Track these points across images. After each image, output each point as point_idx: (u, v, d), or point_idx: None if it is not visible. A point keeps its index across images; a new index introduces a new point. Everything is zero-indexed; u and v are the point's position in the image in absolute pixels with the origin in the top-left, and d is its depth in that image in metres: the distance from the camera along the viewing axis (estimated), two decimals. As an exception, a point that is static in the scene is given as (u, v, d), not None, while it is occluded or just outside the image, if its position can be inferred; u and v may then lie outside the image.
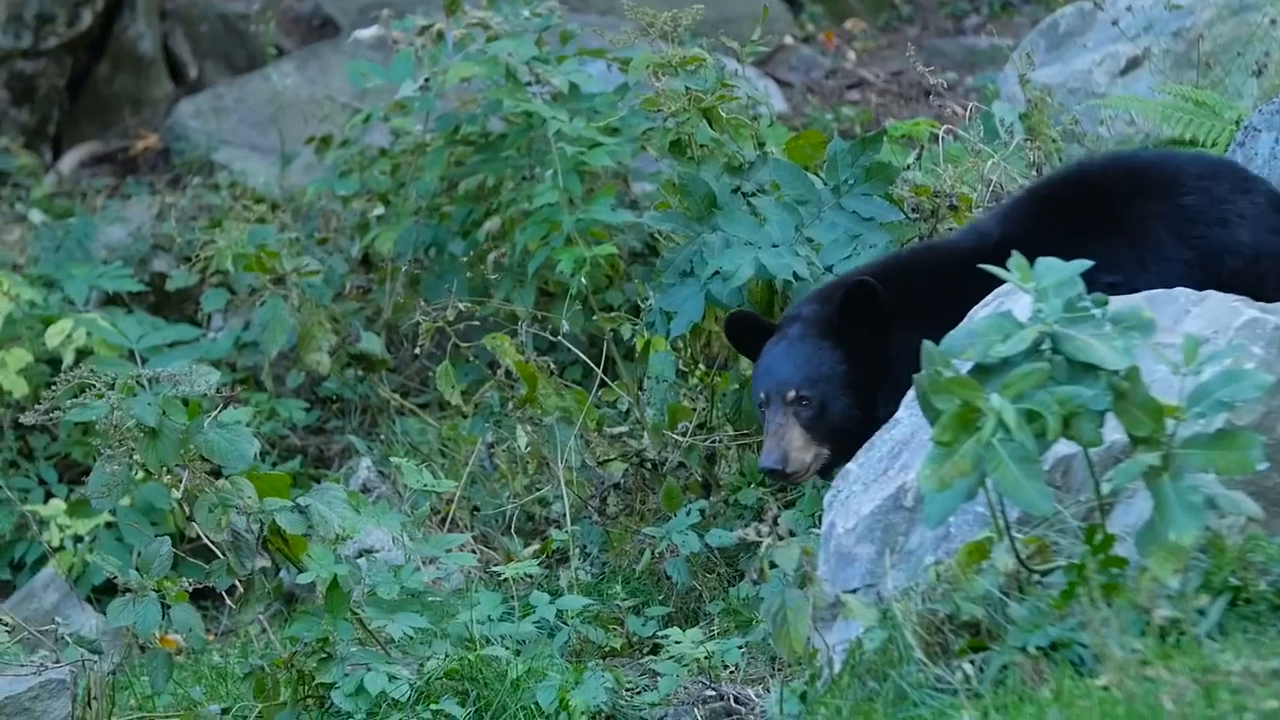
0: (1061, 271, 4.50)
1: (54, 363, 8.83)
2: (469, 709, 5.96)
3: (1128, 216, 5.85)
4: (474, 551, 7.30)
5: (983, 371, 4.44)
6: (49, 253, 9.95)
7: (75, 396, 6.78)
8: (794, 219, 6.91)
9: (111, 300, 9.63)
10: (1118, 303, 4.59)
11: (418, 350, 7.91)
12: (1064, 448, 4.74)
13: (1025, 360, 4.40)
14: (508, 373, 7.53)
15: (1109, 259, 5.67)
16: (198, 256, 8.60)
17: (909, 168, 7.36)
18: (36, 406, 6.77)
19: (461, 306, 7.68)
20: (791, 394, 5.86)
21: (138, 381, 6.86)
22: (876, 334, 5.83)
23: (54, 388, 6.84)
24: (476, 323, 7.87)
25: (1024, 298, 4.58)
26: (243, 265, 8.45)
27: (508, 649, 6.36)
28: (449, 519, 7.40)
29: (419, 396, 9.00)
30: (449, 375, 7.67)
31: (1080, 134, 7.90)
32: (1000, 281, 5.12)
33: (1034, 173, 7.23)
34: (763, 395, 5.94)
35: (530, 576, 7.00)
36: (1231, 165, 6.23)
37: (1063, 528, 4.68)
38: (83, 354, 8.70)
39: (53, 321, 8.92)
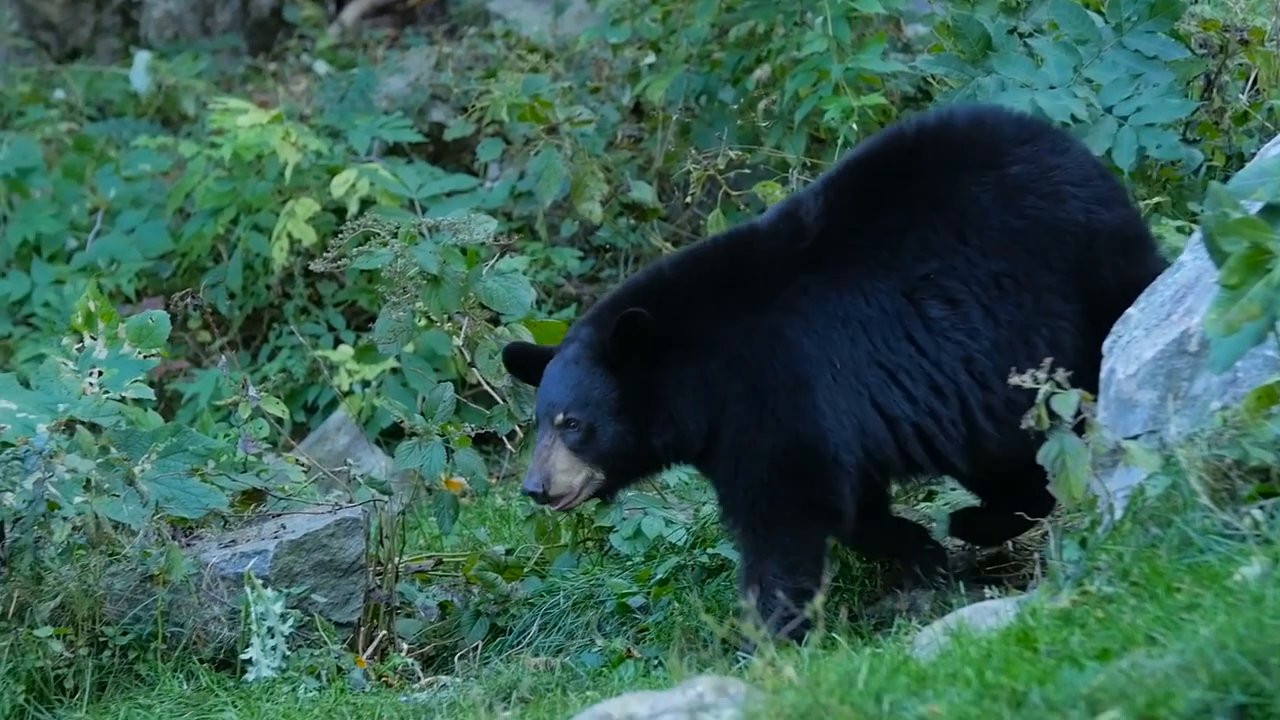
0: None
1: (339, 211, 9.07)
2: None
3: (946, 190, 5.60)
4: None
5: (1273, 212, 4.31)
6: (333, 103, 10.19)
7: (360, 245, 6.99)
8: (1073, 59, 6.75)
9: (392, 150, 9.84)
10: None
11: (689, 198, 7.95)
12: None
13: (1320, 200, 4.26)
14: (779, 220, 7.50)
15: (927, 244, 5.55)
16: (473, 106, 8.72)
17: (1196, 1, 7.12)
18: (324, 254, 7.00)
19: (732, 154, 7.69)
20: (560, 417, 5.58)
21: (419, 230, 7.03)
22: (647, 366, 5.58)
23: (340, 236, 7.06)
24: (747, 170, 7.87)
25: (1319, 136, 4.42)
26: (517, 115, 8.54)
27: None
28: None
29: (690, 244, 9.05)
30: (720, 223, 7.70)
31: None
32: (798, 292, 5.34)
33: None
34: (534, 418, 5.76)
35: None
36: (1043, 123, 5.99)
37: (1357, 371, 4.55)
38: (366, 203, 8.92)
39: (337, 171, 9.15)
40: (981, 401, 5.57)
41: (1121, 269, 5.63)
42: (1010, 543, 6.12)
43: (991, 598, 5.14)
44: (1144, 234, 5.81)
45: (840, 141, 7.88)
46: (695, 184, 7.69)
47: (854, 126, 7.84)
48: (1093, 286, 5.60)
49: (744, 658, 5.16)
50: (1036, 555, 5.84)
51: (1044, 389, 4.90)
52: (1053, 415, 4.87)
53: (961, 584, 5.68)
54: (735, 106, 8.73)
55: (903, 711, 4.05)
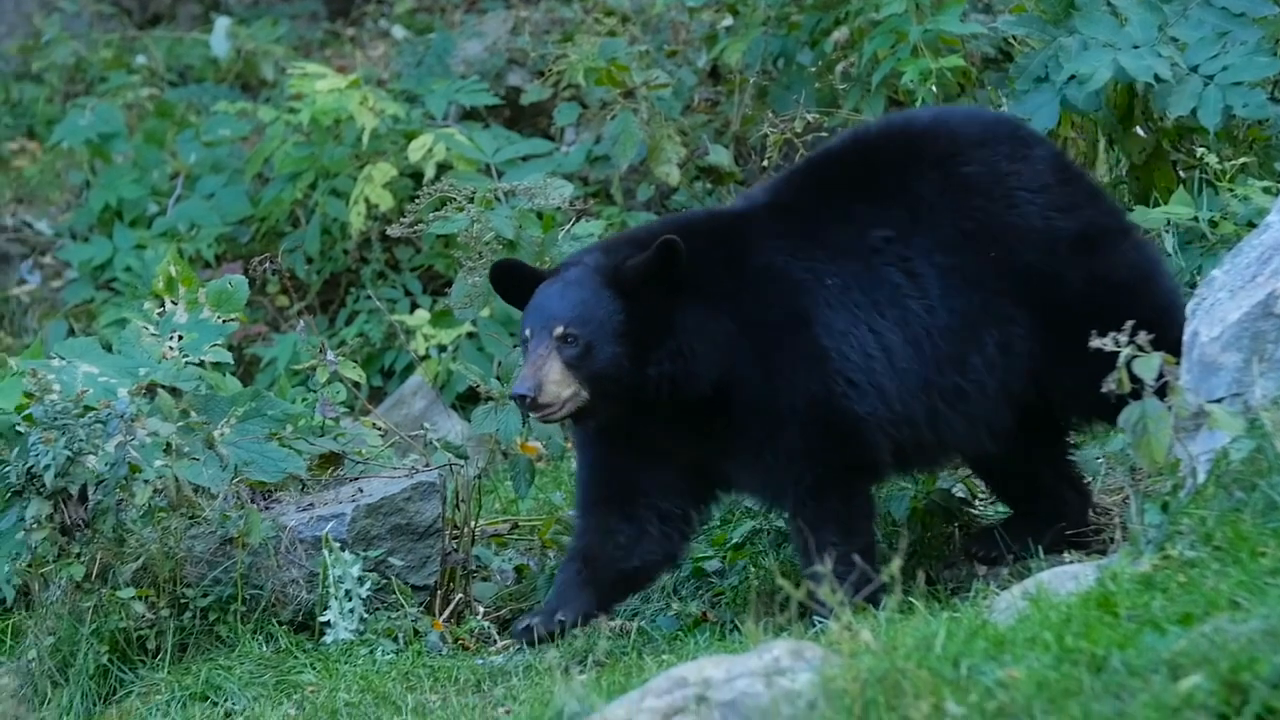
0: None
1: (416, 176, 9.08)
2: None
3: (897, 182, 5.70)
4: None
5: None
6: (410, 68, 10.20)
7: (437, 210, 7.00)
8: (1157, 17, 6.66)
9: (469, 114, 9.84)
10: None
11: (765, 162, 7.91)
12: None
13: None
14: (858, 183, 7.45)
15: (880, 216, 5.63)
16: (550, 70, 8.71)
17: (1285, -45, 6.99)
18: (401, 219, 7.02)
19: (809, 117, 7.65)
20: (560, 329, 5.59)
21: (495, 195, 7.03)
22: (667, 295, 5.61)
23: (417, 201, 7.07)
24: (824, 133, 7.82)
25: None
26: (594, 79, 8.53)
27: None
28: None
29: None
30: (798, 187, 7.63)
31: None
32: (774, 232, 5.42)
33: None
34: (528, 331, 5.68)
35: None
36: (1009, 124, 5.96)
37: None
38: (442, 168, 8.93)
39: (414, 136, 9.16)
40: (935, 382, 5.61)
41: (1090, 270, 5.66)
42: (1091, 506, 6.07)
43: (1071, 562, 5.10)
44: (1113, 228, 5.78)
45: (918, 103, 7.81)
46: (772, 147, 7.65)
47: (932, 89, 7.77)
48: (1054, 296, 5.64)
49: (820, 622, 5.15)
50: (1117, 519, 5.79)
51: (1125, 352, 4.85)
52: (1134, 379, 4.82)
53: (1040, 549, 5.64)
54: (813, 69, 8.67)
55: (980, 676, 4.02)
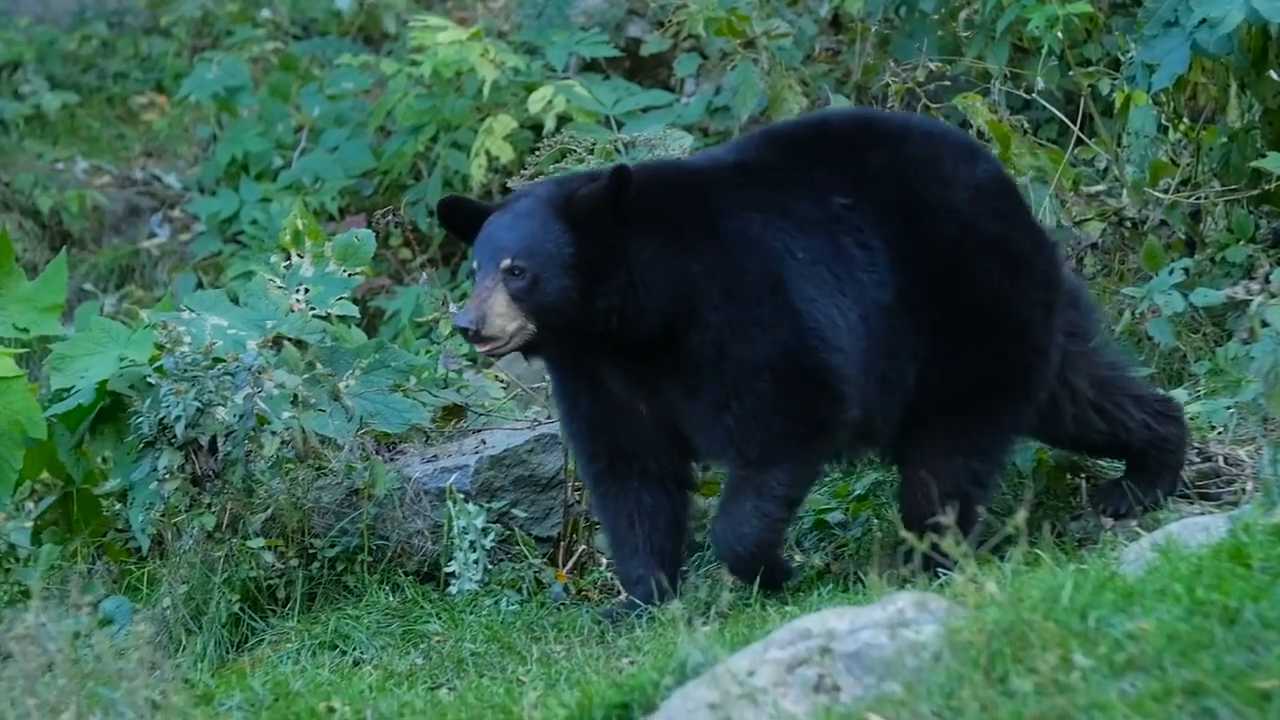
0: None
1: (536, 128, 9.10)
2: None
3: (848, 153, 5.65)
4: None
5: None
6: (531, 19, 10.21)
7: (557, 162, 7.00)
8: (1291, -42, 6.51)
9: (589, 66, 9.84)
10: None
11: (887, 111, 7.82)
12: None
13: None
14: (980, 132, 7.39)
15: (835, 183, 5.58)
16: (670, 21, 8.67)
17: None
18: (522, 171, 7.03)
19: (932, 65, 7.56)
20: (507, 261, 5.47)
21: (615, 146, 7.02)
22: (620, 226, 5.50)
23: (537, 153, 7.08)
24: (947, 82, 7.73)
25: None
26: (714, 29, 8.48)
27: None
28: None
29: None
30: (919, 136, 7.56)
31: None
32: (744, 194, 5.43)
33: None
34: (475, 263, 5.58)
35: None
36: (962, 135, 5.97)
37: None
38: (563, 120, 8.94)
39: (535, 88, 9.18)
40: (875, 365, 5.56)
41: (1001, 282, 5.60)
42: (1222, 456, 5.99)
43: (1201, 514, 5.04)
44: (1032, 264, 5.68)
45: (1044, 51, 7.70)
46: (894, 97, 7.58)
47: (1059, 35, 7.65)
48: (965, 288, 5.59)
49: (943, 574, 5.12)
50: (1249, 470, 5.71)
51: (1257, 300, 4.77)
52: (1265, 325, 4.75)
53: (1169, 499, 5.58)
54: (935, 16, 8.57)
55: (1109, 628, 3.98)
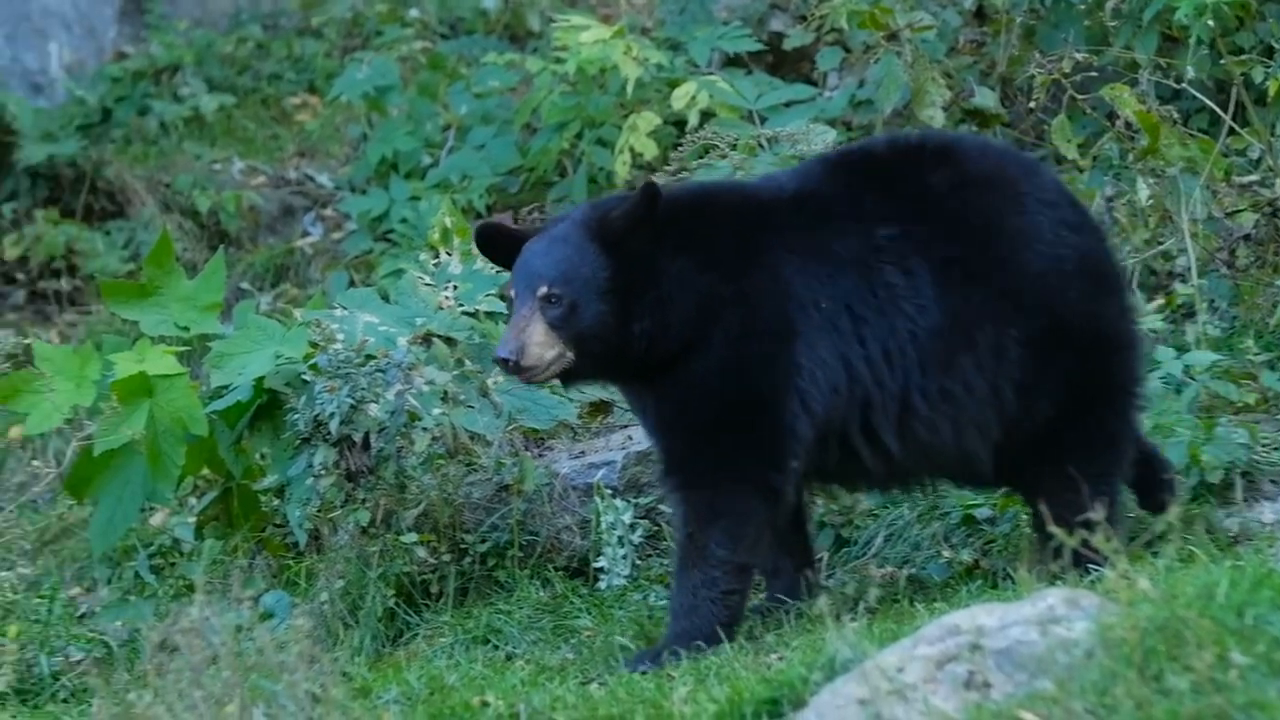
0: None
1: (680, 124, 9.11)
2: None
3: (914, 174, 5.58)
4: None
5: None
6: (673, 15, 10.24)
7: (700, 157, 7.04)
8: None
9: (731, 61, 9.85)
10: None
11: (1033, 103, 7.78)
12: None
13: None
14: (1128, 124, 7.31)
15: (890, 211, 5.49)
16: (813, 15, 8.66)
17: None
18: (665, 167, 7.08)
19: (1078, 56, 7.49)
20: (543, 289, 5.41)
21: (758, 141, 7.05)
22: (652, 242, 5.42)
23: (680, 149, 7.12)
24: (1094, 73, 7.65)
25: None
26: (857, 22, 8.45)
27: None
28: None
29: (1034, 151, 8.86)
30: (1065, 128, 7.53)
31: None
32: (788, 232, 5.34)
33: None
34: (513, 291, 5.51)
35: (1155, 332, 6.88)
36: (1020, 152, 5.93)
37: None
38: (706, 115, 8.95)
39: (678, 84, 9.20)
40: (919, 383, 5.48)
41: (1089, 299, 5.54)
42: None
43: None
44: (1113, 277, 5.65)
45: (1193, 40, 7.60)
46: (1039, 88, 7.52)
47: (1209, 24, 7.55)
48: (1056, 306, 5.51)
49: (1092, 570, 5.09)
50: None
51: None
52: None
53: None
54: (1082, 6, 8.47)
55: (1267, 626, 3.95)
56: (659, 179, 7.21)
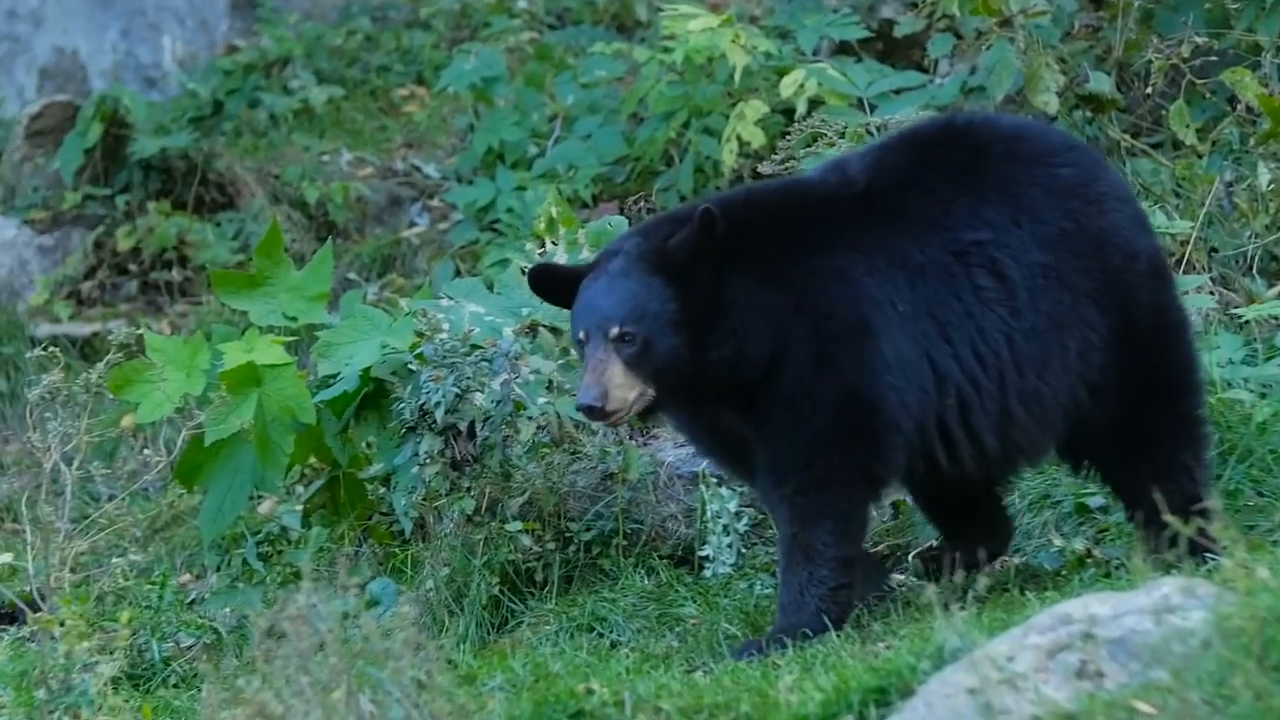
0: None
1: (788, 113, 9.05)
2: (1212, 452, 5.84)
3: (1002, 175, 5.46)
4: (1212, 293, 7.09)
5: None
6: (782, 3, 10.19)
7: (808, 146, 6.98)
8: None
9: (841, 48, 9.77)
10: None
11: (1150, 88, 7.67)
12: None
13: None
14: (1248, 108, 7.19)
15: (979, 215, 5.39)
16: (924, 1, 8.58)
17: None
18: (773, 156, 7.04)
19: (1198, 40, 7.37)
20: (615, 330, 5.30)
21: (867, 129, 6.98)
22: (714, 270, 5.30)
23: (788, 137, 7.07)
24: (1214, 57, 7.54)
25: None
26: (969, 8, 8.35)
27: (1251, 392, 6.18)
28: (1184, 260, 7.20)
29: (1150, 136, 8.72)
30: (1183, 113, 7.42)
31: None
32: (857, 232, 5.26)
33: None
34: (582, 334, 5.37)
35: (1275, 318, 6.76)
36: (1086, 146, 5.85)
37: None
38: (814, 103, 8.88)
39: (786, 72, 9.13)
40: (1016, 384, 5.42)
41: (1155, 294, 5.53)
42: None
43: None
44: (1168, 267, 5.71)
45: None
46: (1157, 73, 7.41)
47: (1334, 3, 7.40)
48: (1129, 305, 5.49)
49: (1211, 559, 4.99)
50: None
51: None
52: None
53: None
54: (1203, -11, 8.34)
55: (1392, 618, 3.84)
56: (766, 168, 7.16)
